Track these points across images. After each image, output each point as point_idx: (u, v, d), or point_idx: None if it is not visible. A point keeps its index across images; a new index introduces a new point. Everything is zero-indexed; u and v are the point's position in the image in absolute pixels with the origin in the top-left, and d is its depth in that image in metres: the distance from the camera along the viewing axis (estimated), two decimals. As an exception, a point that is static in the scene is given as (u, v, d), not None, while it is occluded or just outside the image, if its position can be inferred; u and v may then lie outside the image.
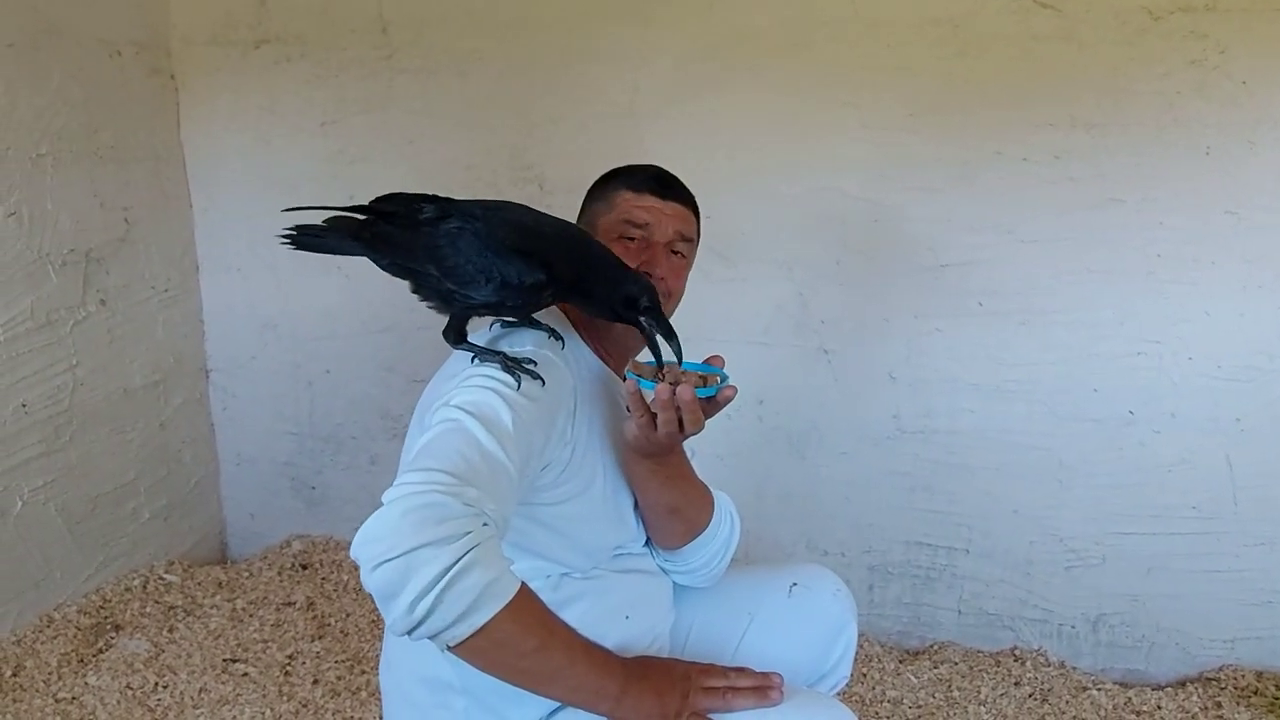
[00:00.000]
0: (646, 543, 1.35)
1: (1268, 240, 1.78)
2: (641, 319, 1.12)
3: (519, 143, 2.07)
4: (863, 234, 1.94)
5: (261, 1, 2.14)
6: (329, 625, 2.15)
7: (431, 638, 0.93)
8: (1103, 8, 1.76)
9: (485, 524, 0.95)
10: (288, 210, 1.20)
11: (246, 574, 2.35)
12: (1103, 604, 2.00)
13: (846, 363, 2.02)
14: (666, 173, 1.33)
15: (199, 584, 2.29)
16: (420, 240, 1.14)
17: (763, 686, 1.09)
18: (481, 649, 0.95)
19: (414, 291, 1.22)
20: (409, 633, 0.93)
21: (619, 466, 1.28)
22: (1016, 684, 1.97)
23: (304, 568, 2.38)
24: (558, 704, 1.15)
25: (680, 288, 1.32)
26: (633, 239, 1.27)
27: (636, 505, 1.31)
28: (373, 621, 2.17)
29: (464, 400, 1.06)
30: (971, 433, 1.98)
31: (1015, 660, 2.03)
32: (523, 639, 0.96)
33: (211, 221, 2.33)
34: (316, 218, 1.18)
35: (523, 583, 0.97)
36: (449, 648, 0.94)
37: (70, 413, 2.06)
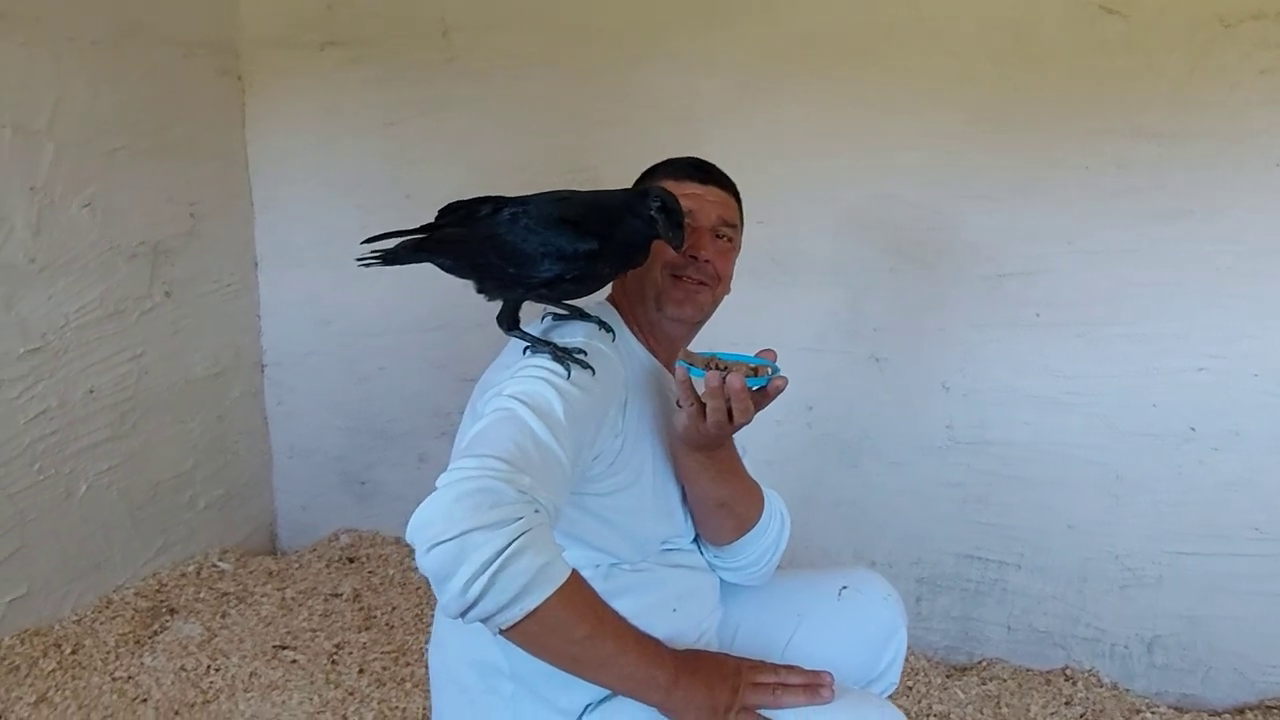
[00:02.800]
0: (695, 539, 1.35)
1: (1340, 255, 1.73)
2: (651, 214, 1.13)
3: (576, 146, 2.10)
4: (919, 242, 1.93)
5: (329, 6, 2.20)
6: (375, 617, 2.18)
7: (484, 620, 0.94)
8: (1172, 15, 1.73)
9: (537, 510, 0.96)
10: (366, 241, 1.26)
11: (296, 565, 2.39)
12: (1158, 625, 1.95)
13: (899, 371, 2.00)
14: (704, 160, 1.35)
15: (251, 573, 2.33)
16: (480, 233, 1.18)
17: (813, 684, 1.08)
18: (533, 633, 0.96)
19: (479, 290, 1.24)
20: (462, 615, 0.94)
21: (668, 460, 1.29)
22: (1068, 703, 1.93)
23: (351, 561, 2.42)
24: (602, 695, 1.16)
25: (728, 271, 1.33)
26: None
27: (685, 499, 1.32)
28: (417, 615, 2.19)
29: (517, 390, 1.08)
30: (1027, 445, 1.95)
31: (1066, 680, 1.99)
32: (574, 625, 0.97)
33: (272, 219, 2.39)
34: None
35: (574, 570, 0.97)
36: (501, 631, 0.95)
37: (135, 400, 2.12)
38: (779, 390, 1.12)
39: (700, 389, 1.14)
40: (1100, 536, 1.95)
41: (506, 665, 1.18)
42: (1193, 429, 1.86)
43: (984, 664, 2.05)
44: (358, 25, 2.19)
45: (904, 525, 2.07)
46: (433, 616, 2.16)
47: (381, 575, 2.35)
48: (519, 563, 0.92)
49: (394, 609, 2.21)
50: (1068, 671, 2.00)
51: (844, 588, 1.39)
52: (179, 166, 2.16)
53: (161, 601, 2.16)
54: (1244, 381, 1.81)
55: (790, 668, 1.12)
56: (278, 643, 2.05)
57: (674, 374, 1.34)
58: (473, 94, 2.15)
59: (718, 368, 1.12)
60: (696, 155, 1.35)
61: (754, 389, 1.11)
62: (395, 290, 2.33)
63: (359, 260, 1.28)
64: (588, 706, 1.17)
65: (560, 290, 1.16)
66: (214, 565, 2.32)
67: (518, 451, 0.99)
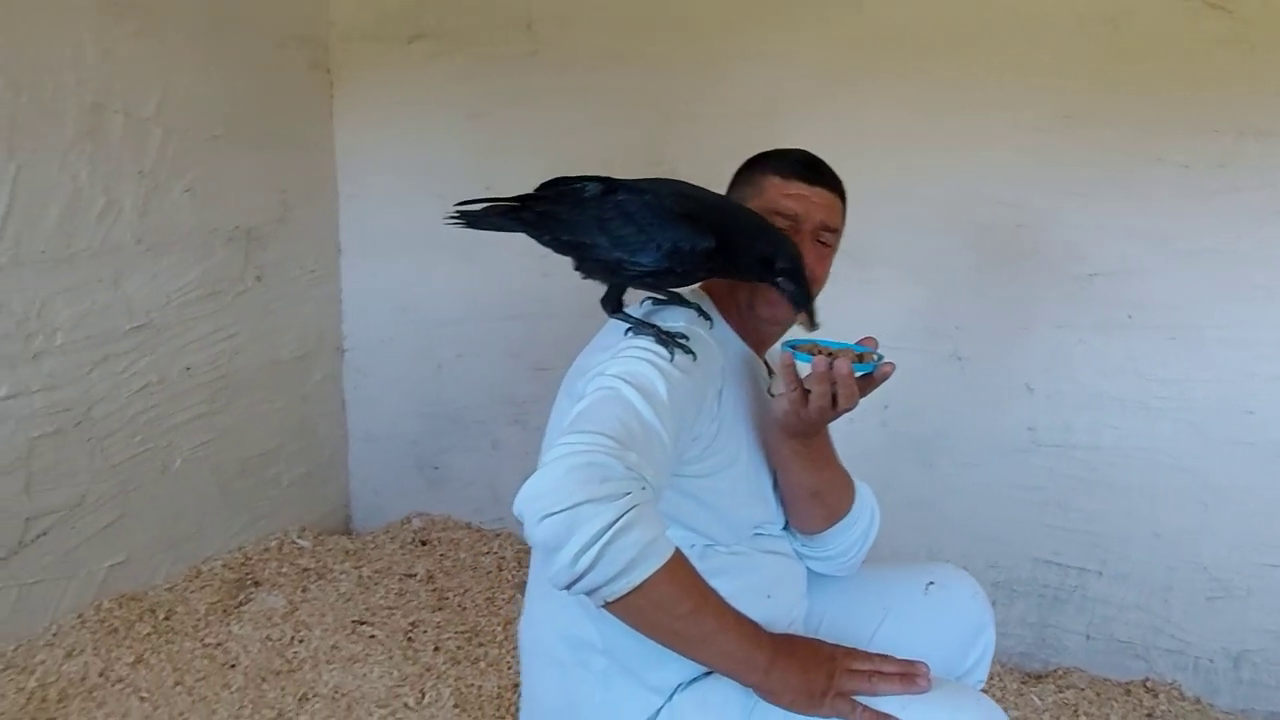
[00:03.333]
0: (785, 527, 1.36)
1: None
2: (778, 280, 1.13)
3: (656, 139, 2.11)
4: (1006, 239, 1.90)
5: (417, 1, 2.25)
6: (448, 599, 2.22)
7: (590, 593, 0.96)
8: (1278, 9, 1.68)
9: (644, 487, 0.98)
10: (460, 204, 1.26)
11: (371, 545, 2.45)
12: (1246, 639, 1.89)
13: (980, 371, 1.98)
14: (814, 157, 1.34)
15: (328, 551, 2.39)
16: (588, 213, 1.19)
17: (909, 673, 1.08)
18: (638, 607, 0.97)
19: (577, 268, 1.26)
20: (569, 586, 0.96)
21: (760, 447, 1.30)
22: (1149, 716, 1.88)
23: (424, 544, 2.47)
24: (696, 672, 1.17)
25: (824, 275, 1.33)
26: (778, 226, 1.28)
27: (776, 487, 1.33)
28: (489, 598, 2.23)
29: (620, 370, 1.09)
30: (1112, 450, 1.91)
31: (1147, 692, 1.94)
32: (678, 600, 0.98)
33: (356, 208, 2.45)
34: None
35: (678, 547, 0.99)
36: (606, 604, 0.97)
37: (227, 379, 2.20)
38: (885, 377, 1.12)
39: (804, 374, 1.15)
40: (1187, 546, 1.90)
41: (599, 640, 1.20)
42: (1290, 438, 1.80)
43: (1060, 672, 2.01)
44: (444, 19, 2.24)
45: (980, 527, 2.04)
46: (504, 600, 2.22)
47: (453, 559, 2.40)
48: (628, 536, 0.93)
49: (466, 591, 2.25)
50: (1149, 683, 1.96)
51: (930, 583, 1.39)
52: (271, 155, 2.23)
53: (247, 574, 2.23)
54: (1347, 390, 1.75)
55: (884, 656, 1.12)
56: (356, 618, 2.11)
57: (771, 362, 1.36)
58: (554, 86, 2.18)
59: (822, 354, 1.12)
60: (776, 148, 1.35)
61: (859, 375, 1.11)
62: (472, 280, 2.38)
63: (446, 218, 1.27)
64: (679, 685, 1.18)
65: (663, 281, 1.17)
66: (294, 542, 2.39)
67: (623, 429, 1.01)
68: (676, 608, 0.98)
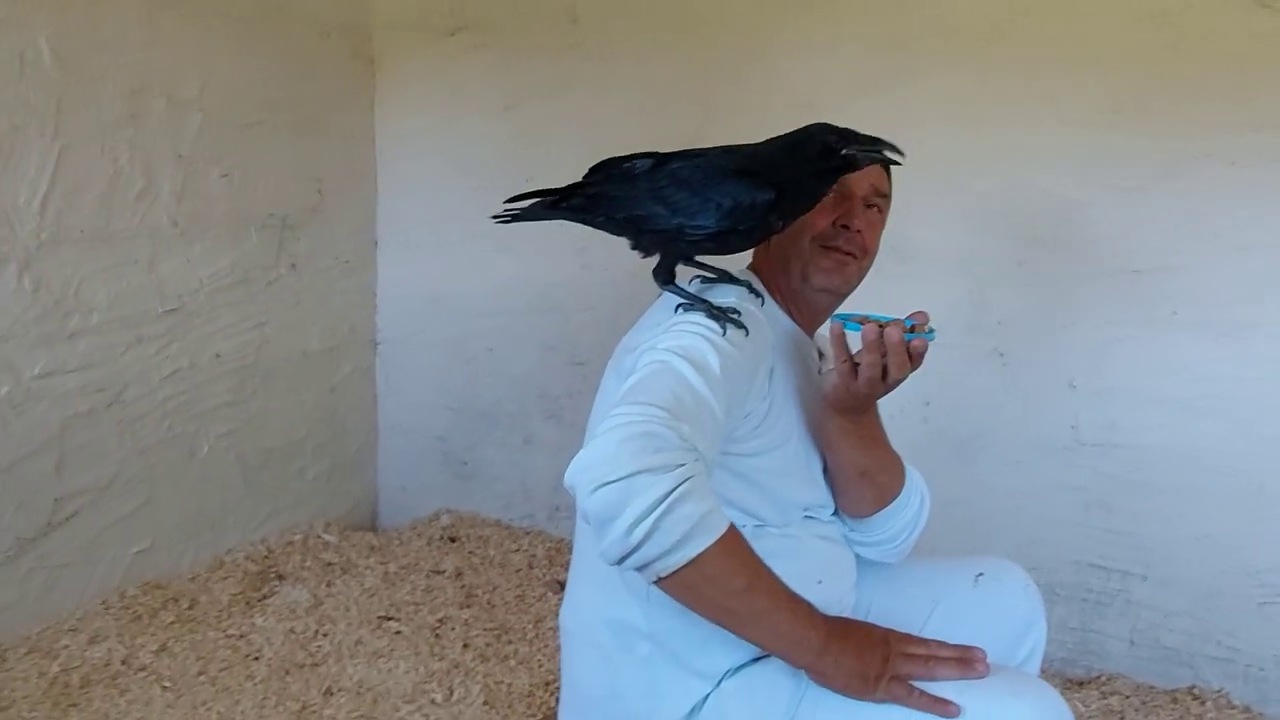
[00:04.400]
0: (834, 513, 1.33)
1: None
2: (845, 152, 1.11)
3: (698, 131, 2.09)
4: (1051, 233, 1.88)
5: (460, -8, 2.26)
6: (476, 595, 2.19)
7: (643, 567, 0.93)
8: (1333, 5, 1.66)
9: (697, 459, 0.95)
10: (509, 201, 1.24)
11: (397, 541, 2.42)
12: (1298, 647, 1.84)
13: (1022, 367, 1.94)
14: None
15: (353, 545, 2.37)
16: (640, 187, 1.18)
17: (967, 658, 1.04)
18: (691, 583, 0.94)
19: (634, 247, 1.24)
20: (622, 560, 0.93)
21: (810, 430, 1.27)
22: (1196, 724, 1.83)
23: (452, 540, 2.44)
24: (744, 658, 1.14)
25: (875, 244, 1.32)
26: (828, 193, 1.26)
27: (826, 472, 1.30)
28: (519, 596, 2.20)
29: (673, 344, 1.07)
30: (1158, 449, 1.87)
31: (1195, 699, 1.88)
32: (732, 576, 0.95)
33: (394, 199, 2.45)
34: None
35: (731, 522, 0.96)
36: (659, 579, 0.94)
37: (256, 367, 2.19)
38: (923, 351, 1.10)
39: (855, 345, 1.12)
40: (1235, 550, 1.85)
41: (645, 624, 1.17)
42: (1343, 439, 1.76)
43: (1104, 679, 1.95)
44: (486, 10, 2.25)
45: (1021, 528, 2.00)
46: (535, 598, 2.19)
47: (482, 555, 2.37)
48: (683, 508, 0.91)
49: (495, 589, 2.22)
50: (1195, 691, 1.90)
51: (980, 574, 1.36)
52: (310, 144, 2.24)
53: (270, 566, 2.21)
54: (1403, 390, 1.71)
55: (940, 642, 1.09)
56: (382, 613, 2.08)
57: (820, 344, 1.33)
58: (596, 78, 2.18)
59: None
60: None
61: (910, 343, 1.09)
62: (507, 272, 2.36)
63: (495, 217, 1.27)
64: (727, 672, 1.15)
65: (727, 242, 1.15)
66: (319, 536, 2.37)
67: (676, 401, 0.99)
68: (730, 584, 0.96)
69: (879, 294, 1.92)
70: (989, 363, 1.97)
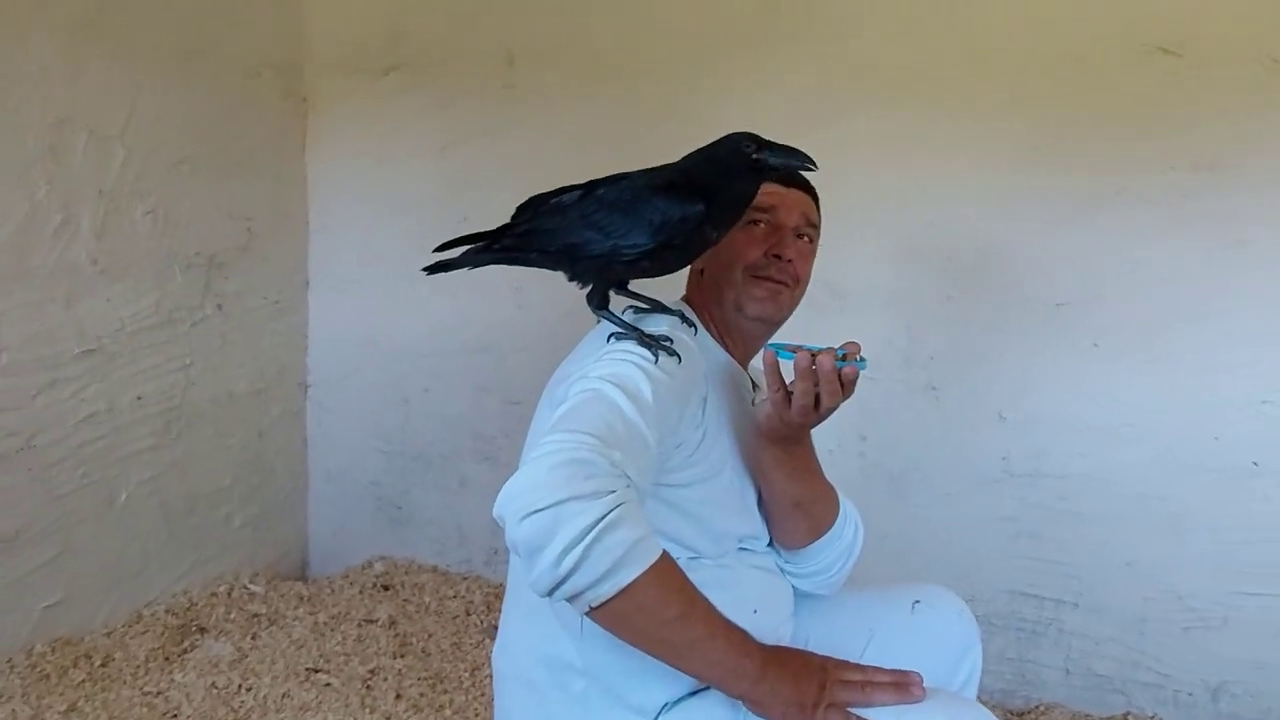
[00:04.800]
0: (769, 544, 1.32)
1: (1405, 289, 1.72)
2: (757, 156, 1.13)
3: (633, 169, 2.12)
4: (976, 268, 1.93)
5: (396, 32, 2.26)
6: (410, 644, 2.12)
7: (574, 598, 0.92)
8: (1223, 53, 1.76)
9: (628, 485, 0.94)
10: (438, 249, 1.25)
11: (328, 590, 2.34)
12: (1224, 670, 1.88)
13: (954, 400, 1.98)
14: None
15: (281, 596, 2.28)
16: (573, 216, 1.18)
17: (903, 682, 1.04)
18: (623, 613, 0.93)
19: (571, 278, 1.24)
20: (552, 590, 0.91)
21: (744, 460, 1.27)
22: (1131, 751, 1.85)
23: (386, 588, 2.37)
24: (681, 691, 1.12)
25: (807, 274, 1.33)
26: (758, 223, 1.28)
27: (761, 503, 1.30)
28: (455, 644, 2.13)
29: (604, 372, 1.07)
30: (1084, 478, 1.92)
31: (1129, 726, 1.91)
32: (665, 605, 0.94)
33: (326, 239, 2.41)
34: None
35: (664, 550, 0.95)
36: (591, 610, 0.92)
37: (180, 410, 2.11)
38: (855, 377, 1.11)
39: (788, 374, 1.13)
40: (1161, 575, 1.90)
41: (579, 659, 1.14)
42: (1256, 464, 1.82)
43: (1042, 709, 1.97)
44: (422, 51, 2.25)
45: (954, 560, 2.02)
46: (471, 644, 2.13)
47: (417, 603, 2.30)
48: (614, 535, 0.89)
49: (430, 636, 2.15)
50: (1129, 718, 1.92)
51: (916, 602, 1.36)
52: (239, 182, 2.20)
53: (192, 620, 2.11)
54: (1310, 416, 1.79)
55: (876, 668, 1.08)
56: (310, 665, 1.99)
57: (756, 368, 1.34)
58: (532, 118, 2.19)
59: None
60: None
61: (841, 370, 1.10)
62: (442, 313, 2.34)
63: (426, 268, 1.28)
64: (664, 706, 1.12)
65: (661, 260, 1.15)
66: (245, 586, 2.28)
67: (607, 429, 0.98)
68: (664, 612, 0.94)
69: (815, 330, 1.94)
70: (922, 397, 2.00)
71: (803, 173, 1.36)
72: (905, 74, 1.94)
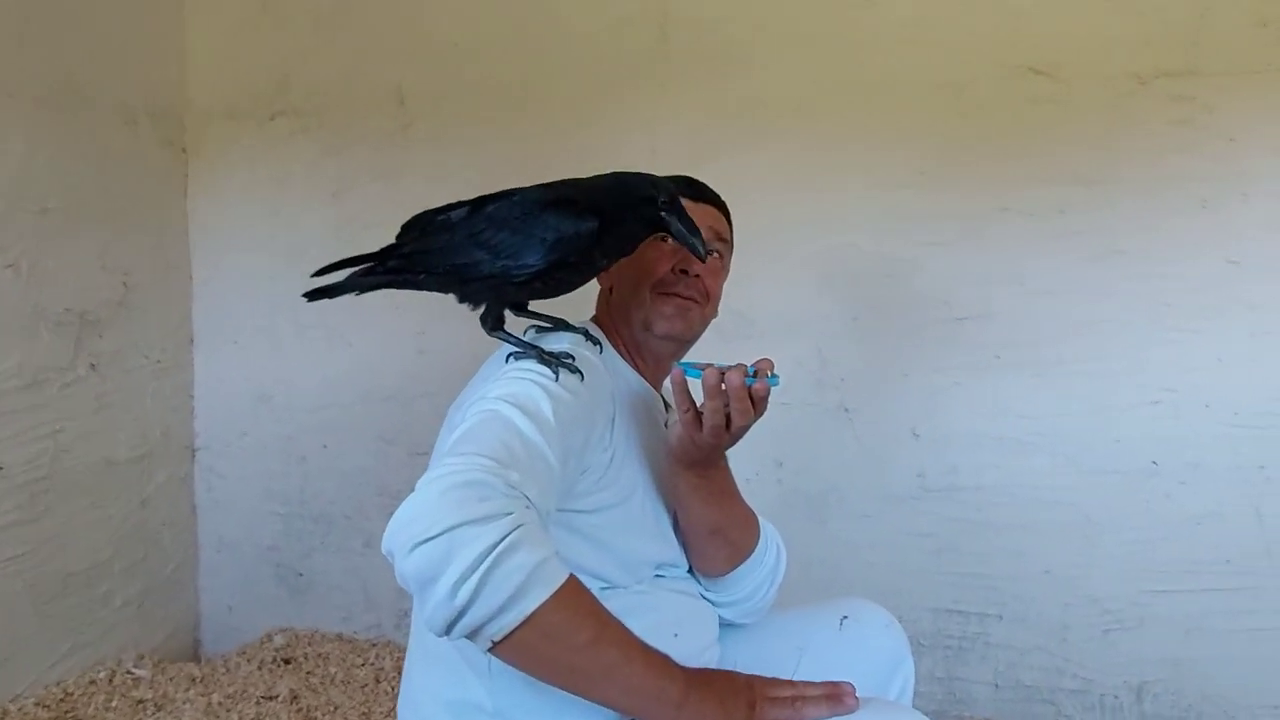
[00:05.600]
0: (689, 571, 1.27)
1: (1271, 288, 1.82)
2: (661, 214, 1.09)
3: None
4: (878, 289, 1.96)
5: (281, 77, 2.20)
6: (315, 719, 1.96)
7: (474, 634, 0.84)
8: (1092, 74, 1.86)
9: (527, 506, 0.88)
10: (316, 274, 1.19)
11: (223, 670, 2.16)
12: (1144, 670, 1.90)
13: (867, 420, 1.99)
14: (695, 178, 1.35)
15: (170, 679, 2.09)
16: (459, 235, 1.13)
17: (835, 694, 0.99)
18: (529, 644, 0.85)
19: (461, 300, 1.18)
20: (449, 628, 0.84)
21: (657, 484, 1.22)
22: (1064, 761, 1.83)
23: (287, 662, 2.20)
24: (605, 720, 1.04)
25: (717, 292, 1.31)
26: (666, 238, 1.26)
27: (678, 530, 1.25)
28: (364, 714, 1.99)
29: (502, 392, 1.01)
30: (996, 489, 1.94)
31: (1059, 736, 1.90)
32: (575, 631, 0.87)
33: (212, 293, 2.29)
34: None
35: (571, 572, 0.89)
36: (494, 645, 0.85)
37: (49, 480, 1.94)
38: (767, 391, 1.08)
39: (699, 394, 1.09)
40: (1077, 580, 1.92)
41: (489, 701, 1.06)
42: (1155, 463, 1.88)
43: (974, 726, 1.95)
44: (310, 95, 2.19)
45: (879, 581, 1.99)
46: (382, 714, 1.98)
47: (322, 674, 2.14)
48: (513, 559, 0.83)
49: (337, 709, 2.00)
50: (1059, 728, 1.92)
51: (844, 617, 1.33)
52: (114, 234, 2.07)
53: (67, 711, 1.91)
54: (1197, 412, 1.85)
55: (805, 682, 1.03)
56: (203, 750, 1.82)
57: (666, 386, 1.30)
58: (428, 159, 2.14)
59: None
60: None
61: (751, 386, 1.07)
62: (340, 363, 2.24)
63: (306, 295, 1.21)
64: (585, 743, 1.04)
65: (557, 279, 1.11)
66: (129, 671, 2.08)
67: (504, 449, 0.92)
68: (574, 638, 0.87)
69: (727, 358, 1.95)
70: (836, 418, 2.00)
71: (713, 189, 1.36)
72: (797, 105, 1.98)
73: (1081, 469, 1.90)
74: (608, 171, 1.17)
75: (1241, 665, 1.86)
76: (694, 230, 1.11)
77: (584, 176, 1.17)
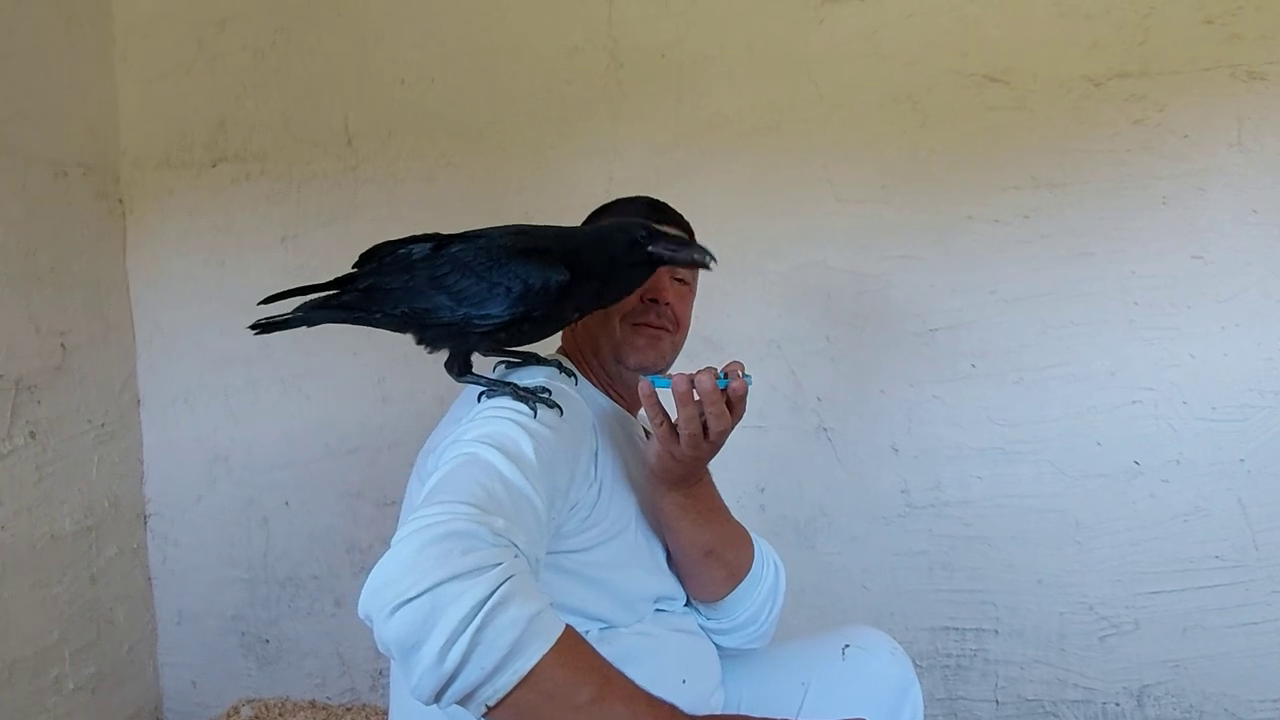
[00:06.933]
0: (687, 604, 1.21)
1: (1236, 280, 1.83)
2: (651, 250, 1.05)
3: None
4: (849, 306, 1.93)
5: (220, 122, 2.12)
6: (290, 795, 1.85)
7: (466, 699, 0.77)
8: (1047, 78, 1.86)
9: (517, 556, 0.82)
10: (263, 302, 1.15)
11: (187, 750, 2.03)
12: (1144, 674, 1.87)
13: (848, 439, 1.95)
14: (659, 200, 1.31)
15: (130, 765, 1.95)
16: (420, 276, 1.07)
17: (848, 734, 0.94)
18: (528, 706, 0.78)
19: (419, 341, 1.12)
20: (439, 695, 0.77)
21: (647, 513, 1.17)
22: (1074, 775, 1.79)
23: (256, 735, 2.07)
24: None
25: (687, 318, 1.28)
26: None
27: (671, 560, 1.19)
28: (342, 785, 1.87)
29: (478, 433, 0.95)
30: (983, 501, 1.91)
31: (1066, 750, 1.86)
32: (576, 688, 0.80)
33: (156, 351, 2.18)
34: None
35: (567, 624, 0.82)
36: (488, 710, 0.78)
37: (-12, 561, 1.81)
38: (744, 391, 1.04)
39: (671, 406, 1.04)
40: (1071, 587, 1.89)
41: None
42: (1137, 463, 1.86)
43: (979, 747, 1.90)
44: (252, 140, 2.11)
45: (873, 604, 1.95)
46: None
47: (294, 745, 2.02)
48: (505, 614, 0.76)
49: (312, 782, 1.89)
50: (1065, 741, 1.88)
51: (846, 646, 1.28)
52: (49, 294, 1.95)
53: (16, 812, 1.76)
54: (1176, 410, 1.84)
55: (819, 722, 0.98)
56: (169, 841, 1.69)
57: (644, 418, 1.24)
58: (379, 199, 2.08)
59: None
60: None
61: (729, 387, 1.02)
62: (300, 416, 2.14)
63: (253, 326, 1.15)
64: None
65: (521, 331, 1.04)
66: (84, 762, 1.94)
67: (486, 495, 0.86)
68: (576, 696, 0.80)
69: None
70: (815, 440, 1.96)
71: (678, 211, 1.32)
72: (754, 125, 1.95)
73: (1066, 474, 1.88)
74: (575, 221, 1.13)
75: (1239, 661, 1.84)
76: (684, 244, 1.07)
77: (565, 225, 1.13)
